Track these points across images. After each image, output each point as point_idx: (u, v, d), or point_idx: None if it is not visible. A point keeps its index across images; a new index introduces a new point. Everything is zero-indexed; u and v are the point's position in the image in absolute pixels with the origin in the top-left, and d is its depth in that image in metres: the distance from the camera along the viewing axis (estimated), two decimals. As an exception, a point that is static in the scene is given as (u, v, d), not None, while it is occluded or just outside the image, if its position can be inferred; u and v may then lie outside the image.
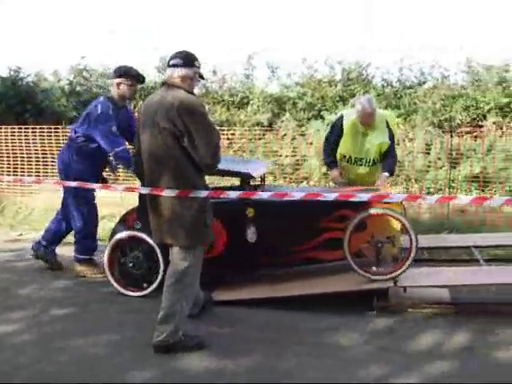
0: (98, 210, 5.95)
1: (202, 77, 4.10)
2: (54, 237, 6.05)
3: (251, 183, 5.21)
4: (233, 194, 4.33)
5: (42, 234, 6.16)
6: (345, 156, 5.96)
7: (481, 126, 11.90)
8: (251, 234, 4.90)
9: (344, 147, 5.93)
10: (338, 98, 13.32)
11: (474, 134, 11.32)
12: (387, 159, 5.94)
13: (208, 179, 4.36)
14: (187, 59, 3.96)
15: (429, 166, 10.45)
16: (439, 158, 10.63)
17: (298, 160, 10.84)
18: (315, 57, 14.14)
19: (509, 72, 12.73)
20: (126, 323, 4.58)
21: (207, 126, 3.82)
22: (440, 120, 12.34)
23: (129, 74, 5.55)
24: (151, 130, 3.87)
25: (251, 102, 13.78)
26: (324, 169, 10.44)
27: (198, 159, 3.81)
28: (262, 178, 5.78)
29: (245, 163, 6.16)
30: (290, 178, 10.73)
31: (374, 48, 20.25)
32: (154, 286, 5.03)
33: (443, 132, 11.26)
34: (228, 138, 11.09)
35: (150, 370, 3.73)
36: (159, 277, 4.96)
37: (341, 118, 5.99)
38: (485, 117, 12.29)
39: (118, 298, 5.13)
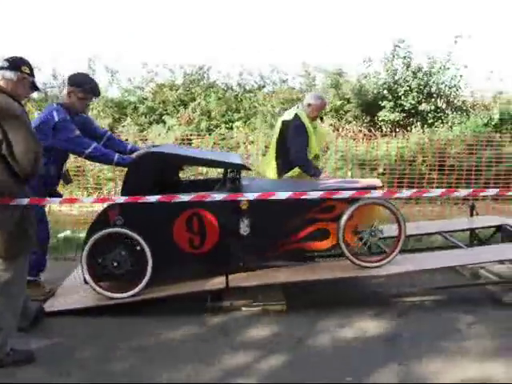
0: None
1: (36, 87, 3.95)
2: None
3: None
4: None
5: None
6: (316, 155, 5.99)
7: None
8: (244, 227, 4.75)
9: (312, 147, 5.90)
10: (179, 102, 13.27)
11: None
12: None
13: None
14: (13, 63, 3.80)
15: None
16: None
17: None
18: (156, 61, 14.05)
19: (342, 76, 13.35)
20: None
21: (26, 133, 3.63)
22: (280, 123, 12.63)
23: (80, 86, 4.89)
24: None
25: (91, 107, 13.36)
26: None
27: (17, 168, 3.61)
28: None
29: (226, 155, 6.23)
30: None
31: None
32: (142, 284, 4.68)
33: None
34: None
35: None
36: (147, 274, 4.66)
37: (300, 119, 5.82)
38: (322, 119, 12.78)
39: None
